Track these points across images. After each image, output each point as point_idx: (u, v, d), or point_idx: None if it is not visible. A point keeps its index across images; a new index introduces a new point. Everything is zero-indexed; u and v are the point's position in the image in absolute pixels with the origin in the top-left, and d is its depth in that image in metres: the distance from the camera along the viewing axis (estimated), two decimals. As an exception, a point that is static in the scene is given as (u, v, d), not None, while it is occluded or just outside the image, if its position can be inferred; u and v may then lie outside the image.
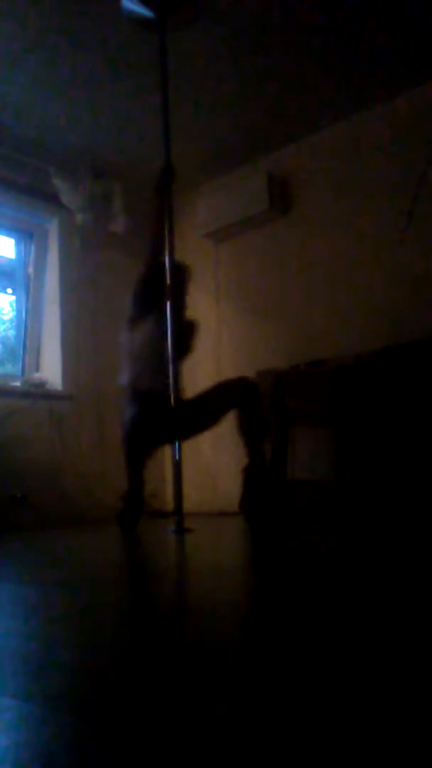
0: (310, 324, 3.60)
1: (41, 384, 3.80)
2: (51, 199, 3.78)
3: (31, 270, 3.97)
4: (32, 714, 0.64)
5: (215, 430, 3.76)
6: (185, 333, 3.07)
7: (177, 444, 2.72)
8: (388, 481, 2.90)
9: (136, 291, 2.99)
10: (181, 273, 3.04)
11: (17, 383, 3.78)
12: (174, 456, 2.74)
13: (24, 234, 3.96)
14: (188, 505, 2.97)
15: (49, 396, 3.75)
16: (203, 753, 0.53)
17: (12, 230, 3.93)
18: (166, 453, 3.84)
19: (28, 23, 2.66)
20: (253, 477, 2.96)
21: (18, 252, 3.97)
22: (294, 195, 3.75)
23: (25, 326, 3.93)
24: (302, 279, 3.67)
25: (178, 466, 2.74)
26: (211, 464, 3.95)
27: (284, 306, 3.75)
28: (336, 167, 3.56)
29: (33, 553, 2.38)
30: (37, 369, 3.94)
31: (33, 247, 3.96)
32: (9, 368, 3.98)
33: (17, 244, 3.97)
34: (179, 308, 2.97)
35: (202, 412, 2.97)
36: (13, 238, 3.96)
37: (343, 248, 3.50)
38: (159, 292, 2.84)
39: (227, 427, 3.12)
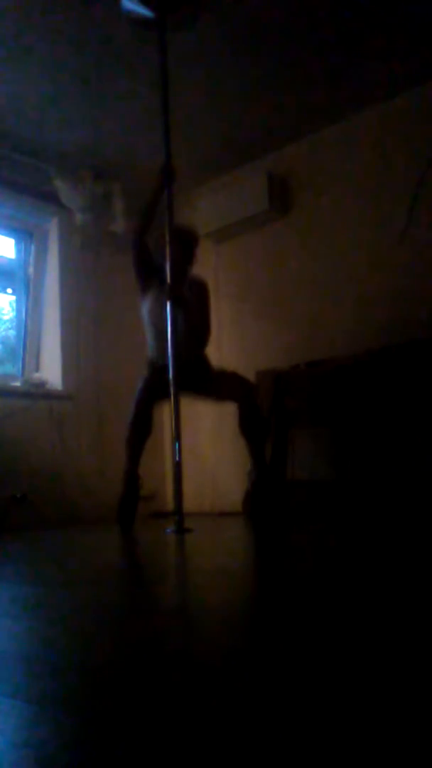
0: (310, 324, 3.60)
1: (41, 384, 3.80)
2: (51, 199, 3.78)
3: (31, 270, 3.97)
4: (31, 714, 0.64)
5: (215, 431, 3.77)
6: (196, 295, 3.16)
7: (177, 444, 2.73)
8: (388, 481, 2.90)
9: (135, 269, 3.15)
10: (185, 237, 3.08)
11: (17, 383, 3.78)
12: (174, 456, 2.74)
13: (24, 234, 3.96)
14: (188, 505, 2.97)
15: (49, 396, 3.75)
16: (203, 754, 0.53)
17: (12, 230, 3.93)
18: (167, 453, 3.85)
19: (27, 23, 2.66)
20: (260, 478, 3.00)
21: (18, 252, 3.97)
22: (294, 195, 3.75)
23: (25, 326, 3.93)
24: (302, 279, 3.67)
25: (178, 466, 2.74)
26: (211, 464, 3.95)
27: (284, 306, 3.75)
28: (336, 167, 3.56)
29: (33, 553, 2.38)
30: (37, 369, 3.94)
31: (33, 247, 3.96)
32: (9, 368, 3.98)
33: (17, 244, 3.97)
34: (182, 275, 3.01)
35: (216, 383, 3.11)
36: (13, 238, 3.96)
37: (343, 248, 3.50)
38: (150, 267, 3.08)
39: (227, 427, 3.12)
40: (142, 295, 3.17)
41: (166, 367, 2.83)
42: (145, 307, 3.16)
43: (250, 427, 3.02)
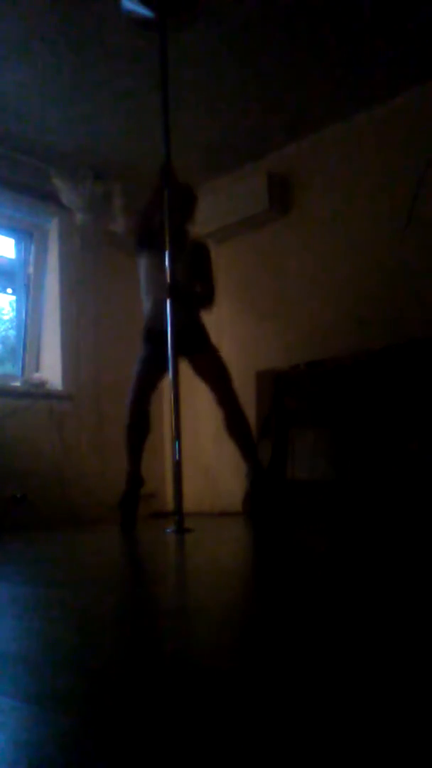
0: (309, 324, 3.60)
1: (41, 384, 3.80)
2: (51, 199, 3.78)
3: (31, 270, 3.96)
4: (31, 714, 0.64)
5: (215, 431, 3.76)
6: (198, 256, 3.14)
7: (177, 444, 2.73)
8: (388, 481, 2.90)
9: (136, 233, 3.14)
10: (182, 195, 3.07)
11: (17, 383, 3.78)
12: (174, 456, 2.75)
13: (24, 234, 3.96)
14: (188, 505, 2.97)
15: (49, 396, 3.75)
16: (202, 754, 0.53)
17: (12, 230, 3.93)
18: (167, 453, 3.85)
19: (27, 23, 2.66)
20: (258, 478, 3.00)
21: (18, 252, 3.97)
22: (294, 195, 3.75)
23: (25, 326, 3.93)
24: (302, 279, 3.67)
25: (178, 466, 2.74)
26: (211, 464, 3.95)
27: (284, 306, 3.74)
28: (336, 167, 3.56)
29: (33, 553, 2.38)
30: (37, 369, 3.94)
31: (33, 247, 3.96)
32: (9, 368, 3.98)
33: (17, 244, 3.97)
34: (182, 234, 3.01)
35: (203, 361, 3.06)
36: (13, 238, 3.96)
37: (343, 248, 3.50)
38: (152, 236, 3.01)
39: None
40: (138, 256, 3.14)
41: (162, 333, 2.83)
42: (143, 267, 3.11)
43: (236, 430, 3.02)
